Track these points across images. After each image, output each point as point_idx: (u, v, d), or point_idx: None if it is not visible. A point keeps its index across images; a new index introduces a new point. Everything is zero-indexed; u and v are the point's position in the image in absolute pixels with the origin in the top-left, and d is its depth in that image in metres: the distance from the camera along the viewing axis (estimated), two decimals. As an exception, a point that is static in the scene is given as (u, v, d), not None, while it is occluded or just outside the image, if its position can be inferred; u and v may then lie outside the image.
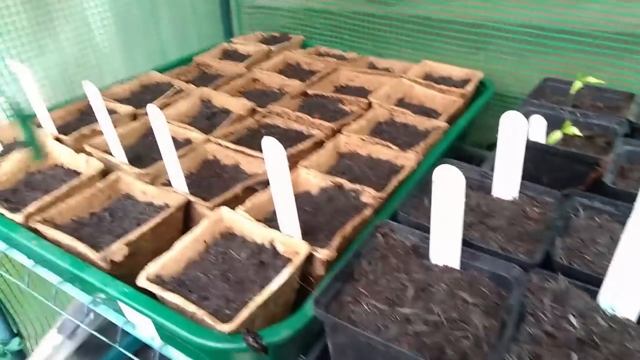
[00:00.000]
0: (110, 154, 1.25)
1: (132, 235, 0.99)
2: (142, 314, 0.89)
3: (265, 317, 0.88)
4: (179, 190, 1.13)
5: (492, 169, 1.14)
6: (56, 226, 1.07)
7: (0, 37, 1.53)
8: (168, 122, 1.10)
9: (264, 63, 1.81)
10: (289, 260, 0.95)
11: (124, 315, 1.03)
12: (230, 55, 1.96)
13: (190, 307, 0.82)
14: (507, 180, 1.04)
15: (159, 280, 0.92)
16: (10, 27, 1.54)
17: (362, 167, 1.25)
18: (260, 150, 1.22)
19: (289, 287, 0.93)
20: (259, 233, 1.00)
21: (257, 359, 0.86)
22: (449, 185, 0.79)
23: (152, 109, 1.05)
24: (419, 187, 1.07)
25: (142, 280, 0.89)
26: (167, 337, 0.97)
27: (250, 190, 1.17)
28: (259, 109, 1.50)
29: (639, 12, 1.45)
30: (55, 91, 1.73)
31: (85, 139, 1.32)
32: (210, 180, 1.24)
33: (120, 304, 0.96)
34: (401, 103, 1.60)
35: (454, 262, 0.87)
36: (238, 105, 1.50)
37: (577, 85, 1.34)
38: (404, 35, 1.90)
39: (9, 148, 1.33)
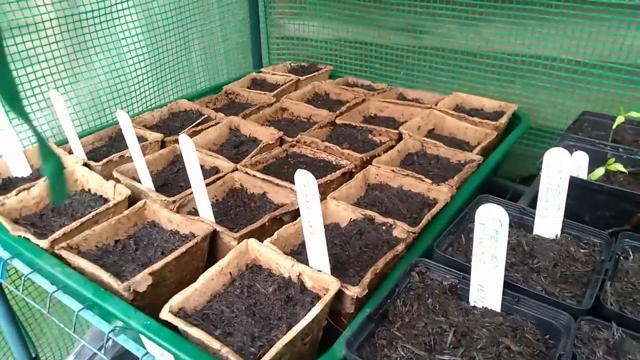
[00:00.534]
0: (138, 180, 1.24)
1: (157, 265, 0.96)
2: (164, 348, 0.85)
3: (292, 355, 0.83)
4: (205, 219, 1.10)
5: (529, 205, 1.09)
6: (80, 253, 1.05)
7: (38, 64, 1.56)
8: (196, 149, 1.09)
9: (292, 93, 1.81)
10: (317, 296, 0.91)
11: (144, 347, 1.00)
12: (259, 84, 1.97)
13: (215, 344, 0.78)
14: (549, 218, 0.99)
15: (182, 313, 0.88)
16: (48, 55, 1.57)
17: (393, 199, 1.21)
18: (288, 180, 1.21)
19: (317, 325, 0.88)
20: (286, 266, 0.96)
21: (282, 402, 0.81)
22: (492, 224, 0.75)
23: (183, 138, 1.04)
24: (455, 223, 1.02)
25: (165, 313, 0.85)
26: (189, 373, 0.93)
27: (277, 221, 1.14)
28: (287, 138, 1.48)
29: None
30: (87, 117, 1.76)
31: (114, 165, 1.32)
32: (236, 209, 1.21)
33: (142, 335, 0.92)
34: (432, 134, 1.57)
35: (495, 305, 0.81)
36: (266, 134, 1.49)
37: (620, 119, 1.28)
38: (437, 65, 1.88)
39: (38, 172, 1.34)
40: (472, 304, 0.83)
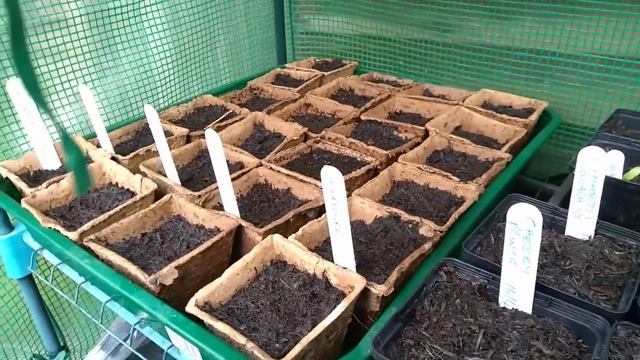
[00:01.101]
0: (164, 174, 1.25)
1: (183, 259, 0.97)
2: (189, 341, 0.85)
3: (317, 352, 0.83)
4: (231, 214, 1.10)
5: (560, 205, 1.06)
6: (108, 245, 1.06)
7: (67, 59, 1.59)
8: (222, 145, 1.09)
9: (317, 88, 1.80)
10: (342, 293, 0.90)
11: (169, 339, 1.01)
12: (283, 80, 1.97)
13: (240, 339, 0.78)
14: (582, 218, 0.96)
15: (207, 307, 0.88)
16: (77, 50, 1.60)
17: (419, 197, 1.20)
18: (312, 176, 1.20)
19: (342, 322, 0.87)
20: (311, 263, 0.96)
21: (306, 399, 0.81)
22: (524, 224, 0.73)
23: (209, 133, 1.04)
24: (484, 222, 0.99)
25: (191, 307, 0.86)
26: (213, 366, 0.93)
27: (301, 217, 1.13)
28: (311, 134, 1.47)
29: None
30: (114, 112, 1.78)
31: (141, 159, 1.33)
32: (261, 204, 1.21)
33: (167, 328, 0.93)
34: (458, 132, 1.54)
35: (526, 307, 0.79)
36: (290, 129, 1.49)
37: (657, 117, 1.24)
38: (462, 63, 1.85)
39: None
40: (501, 305, 0.81)
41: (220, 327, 0.81)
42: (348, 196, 1.13)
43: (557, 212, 1.01)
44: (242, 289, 0.94)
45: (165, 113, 1.63)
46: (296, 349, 0.76)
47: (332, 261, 0.94)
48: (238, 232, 1.09)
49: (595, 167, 0.90)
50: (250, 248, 0.99)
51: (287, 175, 1.24)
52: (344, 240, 0.90)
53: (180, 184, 1.22)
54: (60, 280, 1.60)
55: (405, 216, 1.08)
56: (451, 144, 1.41)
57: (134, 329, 1.05)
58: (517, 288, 0.79)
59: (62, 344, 1.71)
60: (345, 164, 1.35)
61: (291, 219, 1.09)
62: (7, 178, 1.28)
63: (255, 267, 0.97)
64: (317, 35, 2.24)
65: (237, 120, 1.55)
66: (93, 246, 1.03)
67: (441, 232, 1.02)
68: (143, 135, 1.54)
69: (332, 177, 0.85)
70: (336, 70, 1.95)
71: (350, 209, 1.11)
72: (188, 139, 1.48)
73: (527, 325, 0.76)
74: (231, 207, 1.11)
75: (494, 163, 1.28)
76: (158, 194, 1.21)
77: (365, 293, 0.89)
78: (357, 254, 0.98)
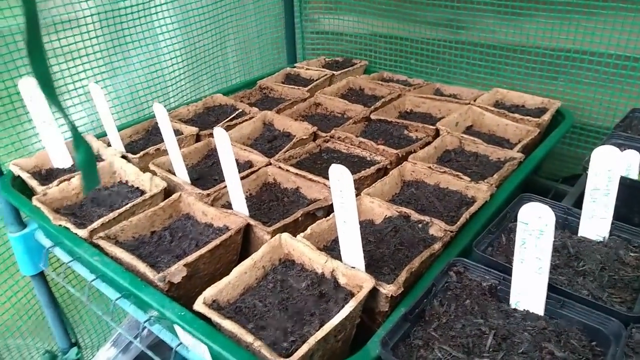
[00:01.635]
0: (174, 173, 1.25)
1: (191, 257, 0.97)
2: (197, 339, 0.85)
3: (324, 352, 0.82)
4: (239, 213, 1.10)
5: (574, 205, 1.04)
6: (118, 243, 1.07)
7: (79, 59, 1.60)
8: (231, 143, 1.09)
9: (326, 87, 1.80)
10: (350, 293, 0.90)
11: (178, 337, 1.01)
12: (293, 79, 1.97)
13: (248, 338, 0.78)
14: (596, 219, 0.94)
15: (215, 305, 0.88)
16: (88, 49, 1.61)
17: (429, 197, 1.18)
18: (321, 175, 1.20)
19: (351, 322, 0.87)
20: (319, 262, 0.95)
21: (314, 399, 0.80)
22: (536, 223, 0.71)
23: (218, 131, 1.04)
24: (495, 223, 0.98)
25: (199, 305, 0.85)
26: (221, 365, 0.93)
27: (310, 216, 1.13)
28: (320, 133, 1.47)
29: None
30: (125, 111, 1.79)
31: (151, 157, 1.34)
32: (269, 203, 1.21)
33: (176, 326, 0.93)
34: (470, 131, 1.52)
35: (538, 309, 0.78)
36: (300, 129, 1.48)
37: (673, 116, 1.21)
38: (475, 61, 1.83)
39: (79, 164, 1.37)
40: (512, 306, 0.80)
41: (228, 325, 0.81)
42: (357, 195, 1.12)
43: (570, 212, 1.00)
44: (250, 287, 0.94)
45: (175, 112, 1.63)
46: (304, 348, 0.75)
47: (341, 260, 0.94)
48: (246, 231, 1.09)
49: (610, 166, 0.88)
50: (258, 247, 0.99)
51: (296, 174, 1.24)
52: (353, 239, 0.89)
53: (189, 182, 1.22)
54: (72, 278, 1.61)
55: (415, 216, 1.06)
56: (462, 144, 1.39)
57: (144, 327, 1.05)
58: (529, 289, 0.77)
59: (73, 340, 1.72)
60: (354, 164, 1.34)
61: (300, 218, 1.09)
62: (19, 176, 1.29)
63: (263, 266, 0.97)
64: (327, 35, 2.24)
65: (246, 120, 1.55)
66: (103, 244, 1.03)
67: (451, 232, 1.01)
68: (153, 134, 1.55)
69: (340, 175, 0.84)
70: (346, 69, 1.94)
71: (359, 209, 1.10)
72: (198, 138, 1.48)
73: (539, 327, 0.75)
74: (240, 205, 1.11)
75: (505, 163, 1.26)
76: (167, 192, 1.21)
77: (374, 293, 0.88)
78: (366, 253, 0.97)
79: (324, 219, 1.07)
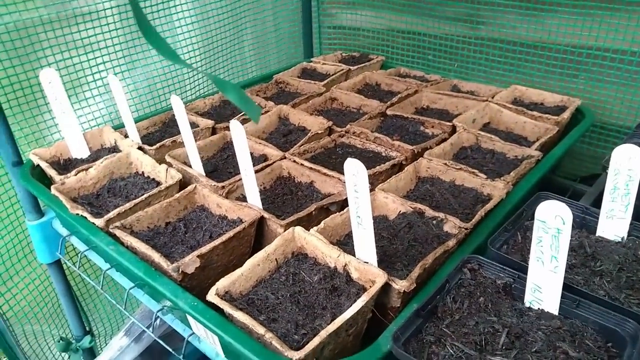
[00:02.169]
0: (189, 165, 1.26)
1: (205, 248, 0.98)
2: (209, 330, 0.86)
3: (335, 346, 0.82)
4: (253, 206, 1.11)
5: (592, 205, 1.02)
6: (133, 233, 1.08)
7: (99, 51, 1.62)
8: (246, 137, 1.09)
9: (342, 82, 1.79)
10: (363, 287, 0.90)
11: (190, 327, 1.02)
12: (309, 74, 1.96)
13: (260, 329, 0.78)
14: (615, 219, 0.92)
15: (228, 296, 0.89)
16: (108, 42, 1.63)
17: (445, 193, 1.17)
18: (335, 170, 1.19)
19: (362, 316, 0.87)
20: (332, 256, 0.95)
21: (324, 392, 0.80)
22: (553, 222, 0.70)
23: (234, 124, 1.04)
24: (511, 220, 0.97)
25: (211, 296, 0.86)
26: (232, 355, 0.94)
27: (323, 210, 1.12)
28: (336, 128, 1.46)
29: None
30: (142, 103, 1.81)
31: (167, 149, 1.35)
32: (284, 197, 1.21)
33: (188, 316, 0.94)
34: (487, 128, 1.50)
35: (553, 308, 0.77)
36: (315, 123, 1.48)
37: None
38: (494, 57, 1.80)
39: (96, 154, 1.39)
40: (527, 305, 0.79)
41: (240, 316, 0.81)
42: (371, 191, 1.11)
43: (588, 211, 0.98)
44: (263, 279, 0.94)
45: (191, 105, 1.65)
46: (315, 341, 0.75)
47: (354, 255, 0.94)
48: (260, 224, 1.10)
49: (631, 166, 0.86)
50: (271, 240, 0.99)
51: (311, 168, 1.24)
52: (366, 234, 0.89)
53: (204, 174, 1.23)
54: (88, 267, 1.64)
55: (429, 212, 1.06)
56: (479, 141, 1.38)
57: (157, 317, 1.06)
58: (544, 288, 0.76)
59: (87, 328, 1.75)
60: (369, 159, 1.34)
61: (313, 212, 1.09)
62: (38, 165, 1.31)
63: (276, 259, 0.97)
64: (344, 30, 2.23)
65: (262, 113, 1.55)
66: (118, 233, 1.05)
67: (466, 229, 1.00)
68: (169, 127, 1.56)
69: (355, 170, 0.84)
70: (363, 64, 1.93)
71: (373, 204, 1.10)
72: (213, 131, 1.49)
73: (553, 326, 0.74)
74: (254, 198, 1.11)
75: (523, 161, 1.25)
76: (183, 184, 1.22)
77: (386, 288, 0.87)
78: (379, 248, 0.97)
79: (337, 213, 1.07)
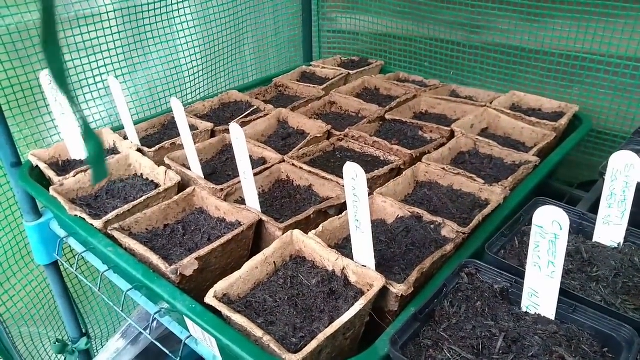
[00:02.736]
0: (188, 167, 1.27)
1: (203, 251, 0.98)
2: (207, 332, 0.86)
3: (333, 349, 0.82)
4: (252, 209, 1.11)
5: (589, 211, 1.03)
6: (132, 234, 1.08)
7: (100, 54, 1.63)
8: (245, 140, 1.10)
9: (342, 87, 1.80)
10: (360, 291, 0.90)
11: (187, 330, 1.02)
12: (309, 78, 1.97)
13: (257, 332, 0.78)
14: (611, 225, 0.92)
15: (226, 299, 0.89)
16: (109, 45, 1.63)
17: (443, 198, 1.18)
18: (334, 173, 1.20)
19: (360, 320, 0.87)
20: (330, 259, 0.95)
21: (321, 395, 0.80)
22: (550, 227, 0.71)
23: (234, 127, 1.05)
24: (508, 225, 0.97)
25: (210, 298, 0.86)
26: (230, 358, 0.94)
27: (322, 214, 1.13)
28: (335, 132, 1.47)
29: None
30: (142, 105, 1.81)
31: (166, 151, 1.35)
32: (282, 200, 1.22)
33: (186, 318, 0.94)
34: (485, 133, 1.51)
35: (549, 313, 0.77)
36: (314, 127, 1.49)
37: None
38: (489, 66, 1.81)
39: (96, 156, 1.39)
40: (524, 309, 0.79)
41: (238, 319, 0.81)
42: (370, 195, 1.12)
43: (585, 217, 0.99)
44: (261, 282, 0.95)
45: (191, 107, 1.65)
46: (312, 345, 0.76)
47: (352, 259, 0.94)
48: (258, 227, 1.10)
49: (628, 172, 0.87)
50: (270, 243, 0.99)
51: (309, 172, 1.24)
52: (364, 238, 0.90)
53: (203, 177, 1.24)
54: (85, 269, 1.64)
55: (427, 217, 1.06)
56: (477, 146, 1.38)
57: (154, 319, 1.06)
58: (541, 293, 0.77)
59: (84, 330, 1.75)
60: (368, 163, 1.34)
61: (312, 216, 1.09)
62: (37, 166, 1.31)
63: (274, 262, 0.97)
64: (344, 34, 2.24)
65: (261, 117, 1.56)
66: (117, 235, 1.05)
67: (464, 234, 1.00)
68: (169, 129, 1.57)
69: (354, 174, 0.85)
70: (362, 69, 1.94)
71: (371, 208, 1.10)
72: (213, 134, 1.49)
73: (550, 331, 0.74)
74: (253, 201, 1.11)
75: (520, 166, 1.25)
76: (181, 186, 1.23)
77: (384, 292, 0.88)
78: (377, 252, 0.97)
79: (336, 217, 1.07)
